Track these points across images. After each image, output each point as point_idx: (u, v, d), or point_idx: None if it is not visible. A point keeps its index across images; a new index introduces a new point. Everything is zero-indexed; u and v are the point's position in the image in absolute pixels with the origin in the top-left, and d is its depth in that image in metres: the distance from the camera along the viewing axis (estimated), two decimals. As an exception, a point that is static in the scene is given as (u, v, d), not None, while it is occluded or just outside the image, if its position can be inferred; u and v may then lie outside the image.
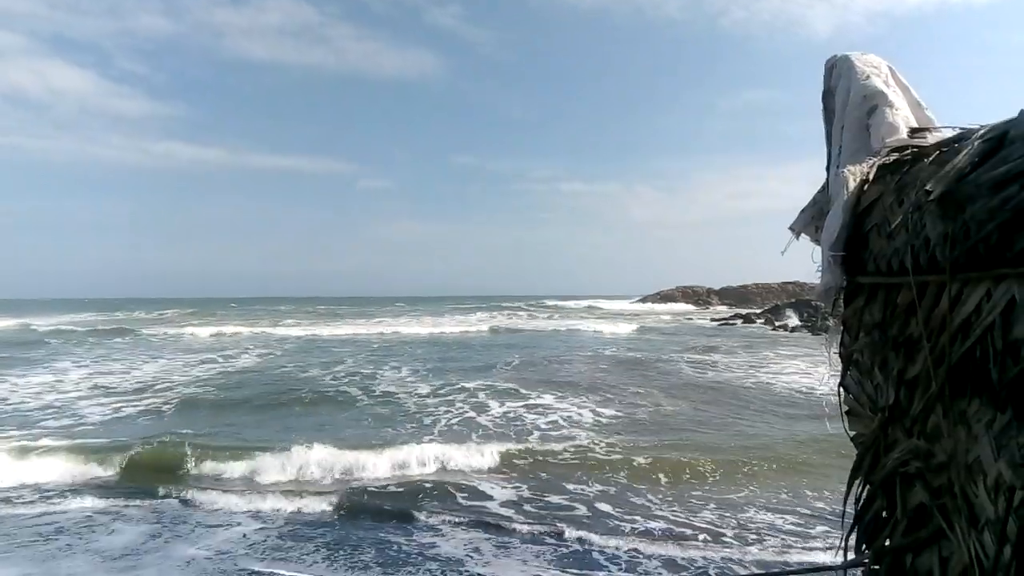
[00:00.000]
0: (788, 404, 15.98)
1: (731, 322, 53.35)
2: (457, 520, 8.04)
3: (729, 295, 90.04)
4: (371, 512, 8.38)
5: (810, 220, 2.68)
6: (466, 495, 8.96)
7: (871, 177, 2.01)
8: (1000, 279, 1.42)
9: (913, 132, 2.14)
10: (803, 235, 2.71)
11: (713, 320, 56.87)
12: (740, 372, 21.69)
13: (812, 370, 21.71)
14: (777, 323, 48.48)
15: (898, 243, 1.82)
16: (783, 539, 7.45)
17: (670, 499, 8.83)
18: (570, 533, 7.56)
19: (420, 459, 10.22)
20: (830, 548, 7.02)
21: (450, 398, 16.18)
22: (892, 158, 2.03)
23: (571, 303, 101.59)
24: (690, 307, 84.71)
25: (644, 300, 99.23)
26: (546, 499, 8.82)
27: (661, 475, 9.77)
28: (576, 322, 52.74)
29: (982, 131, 1.59)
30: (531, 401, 15.84)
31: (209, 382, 19.17)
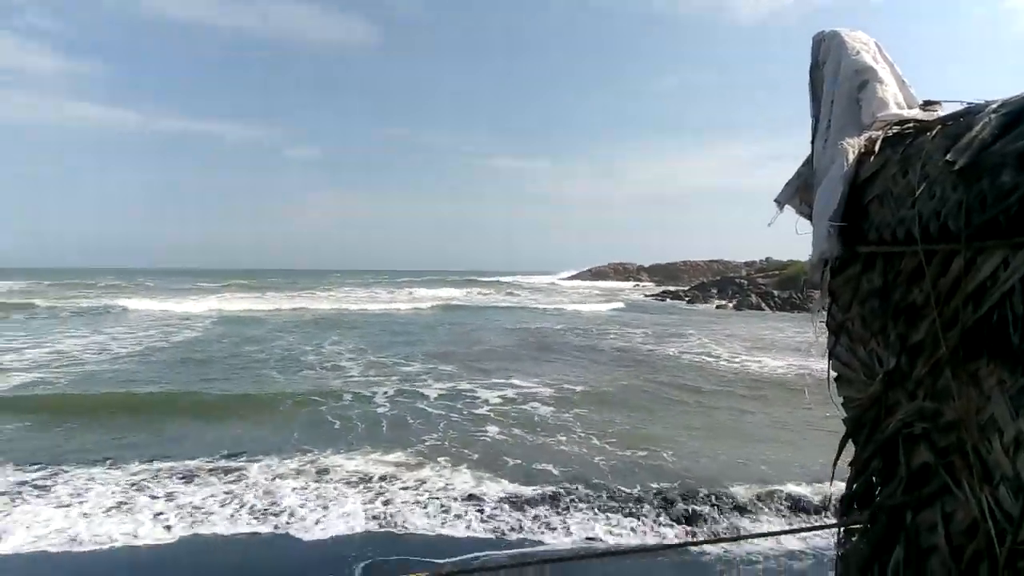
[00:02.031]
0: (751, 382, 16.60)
1: (661, 298, 54.88)
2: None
3: (658, 272, 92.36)
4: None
5: (795, 192, 2.73)
6: None
7: (876, 149, 2.05)
8: (1019, 247, 1.48)
9: (925, 105, 2.20)
10: (788, 208, 2.76)
11: (647, 296, 58.35)
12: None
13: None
14: (704, 299, 50.13)
15: (904, 213, 1.87)
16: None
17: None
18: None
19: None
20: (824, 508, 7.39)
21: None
22: (894, 131, 2.08)
23: (508, 278, 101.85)
24: (621, 283, 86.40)
25: (576, 276, 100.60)
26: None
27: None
28: (525, 299, 53.07)
29: (995, 106, 1.64)
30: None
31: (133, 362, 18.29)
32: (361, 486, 8.22)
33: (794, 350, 20.88)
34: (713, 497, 7.89)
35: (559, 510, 7.53)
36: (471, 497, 7.86)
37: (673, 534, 6.98)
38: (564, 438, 10.57)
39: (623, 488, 8.21)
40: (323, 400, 12.95)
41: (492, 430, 11.04)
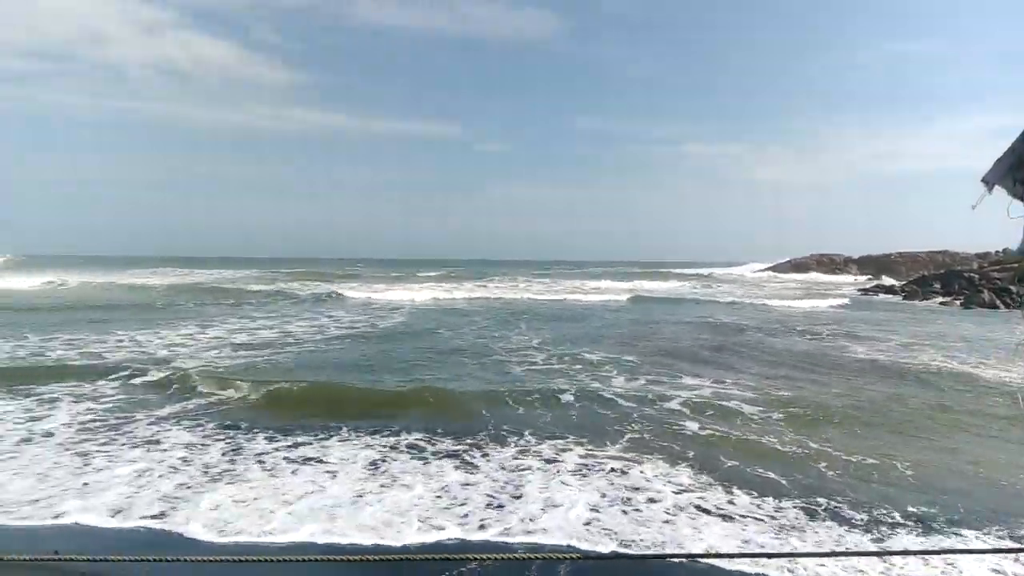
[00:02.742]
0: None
1: (872, 293, 50.25)
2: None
3: (869, 264, 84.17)
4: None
5: (1007, 171, 2.50)
6: None
7: (1097, 120, 1.85)
8: None
9: None
10: (997, 189, 2.54)
11: (857, 291, 53.81)
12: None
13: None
14: (923, 295, 44.92)
15: None
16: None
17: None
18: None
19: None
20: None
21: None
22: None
23: (697, 270, 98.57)
24: (827, 276, 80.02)
25: (773, 268, 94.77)
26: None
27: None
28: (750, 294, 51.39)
29: None
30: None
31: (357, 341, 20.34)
32: (583, 479, 8.15)
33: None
34: (1004, 527, 6.86)
35: (818, 525, 6.89)
36: (704, 504, 7.43)
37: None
38: (775, 440, 9.91)
39: (875, 507, 7.34)
40: (517, 388, 13.27)
41: (692, 426, 10.66)
